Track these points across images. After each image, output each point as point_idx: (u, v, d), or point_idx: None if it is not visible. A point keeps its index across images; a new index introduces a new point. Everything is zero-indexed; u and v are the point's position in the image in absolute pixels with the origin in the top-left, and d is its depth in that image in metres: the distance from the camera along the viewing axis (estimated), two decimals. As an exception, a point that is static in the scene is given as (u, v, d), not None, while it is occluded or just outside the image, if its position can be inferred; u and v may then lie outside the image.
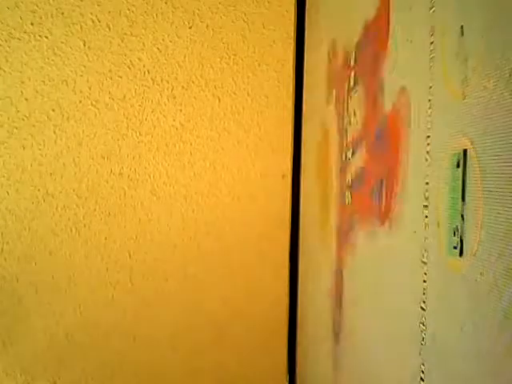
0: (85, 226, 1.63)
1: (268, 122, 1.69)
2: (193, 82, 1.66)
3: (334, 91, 1.22)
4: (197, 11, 1.66)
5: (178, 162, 1.66)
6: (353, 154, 1.03)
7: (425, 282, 0.64)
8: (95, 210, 1.64)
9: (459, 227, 0.53)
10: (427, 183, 0.63)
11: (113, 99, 1.64)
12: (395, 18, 0.78)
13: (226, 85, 1.67)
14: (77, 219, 1.63)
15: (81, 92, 1.62)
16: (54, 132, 1.62)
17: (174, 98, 1.66)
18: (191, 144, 1.67)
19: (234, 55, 1.67)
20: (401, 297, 0.73)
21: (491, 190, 0.47)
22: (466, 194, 0.52)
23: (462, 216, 0.53)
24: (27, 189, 1.61)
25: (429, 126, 0.63)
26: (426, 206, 0.64)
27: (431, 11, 0.64)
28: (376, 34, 0.88)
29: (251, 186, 1.68)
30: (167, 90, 1.66)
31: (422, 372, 0.64)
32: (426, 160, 0.64)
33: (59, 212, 1.62)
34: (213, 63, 1.67)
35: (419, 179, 0.66)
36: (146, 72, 1.65)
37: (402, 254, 0.73)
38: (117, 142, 1.64)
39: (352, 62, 1.05)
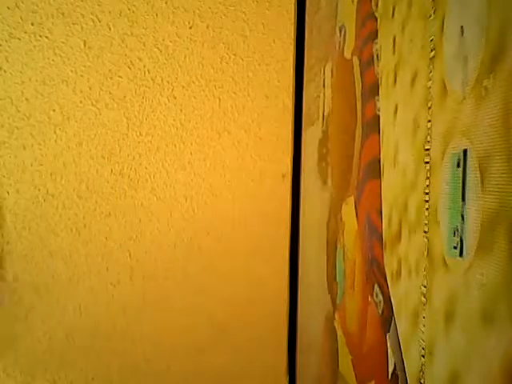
0: (85, 226, 1.63)
1: (268, 122, 1.69)
2: (193, 82, 1.66)
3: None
4: (197, 11, 1.66)
5: (178, 162, 1.66)
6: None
7: (424, 282, 0.64)
8: (95, 209, 1.64)
9: (459, 227, 0.53)
10: (427, 183, 0.63)
11: (113, 99, 1.64)
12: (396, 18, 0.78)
13: (226, 85, 1.68)
14: (77, 219, 1.63)
15: (81, 92, 1.62)
16: (55, 132, 1.62)
17: (174, 98, 1.66)
18: (191, 144, 1.67)
19: (234, 55, 1.67)
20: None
21: (491, 190, 0.47)
22: (466, 194, 0.52)
23: (462, 216, 0.53)
24: (27, 189, 1.61)
25: (429, 126, 0.63)
26: (426, 207, 0.64)
27: (431, 11, 0.64)
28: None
29: (251, 185, 1.68)
30: (167, 89, 1.66)
31: (422, 372, 0.64)
32: (426, 160, 0.64)
33: (59, 212, 1.62)
34: (213, 63, 1.67)
35: (419, 179, 0.66)
36: (146, 72, 1.65)
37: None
38: (117, 142, 1.64)
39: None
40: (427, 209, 0.63)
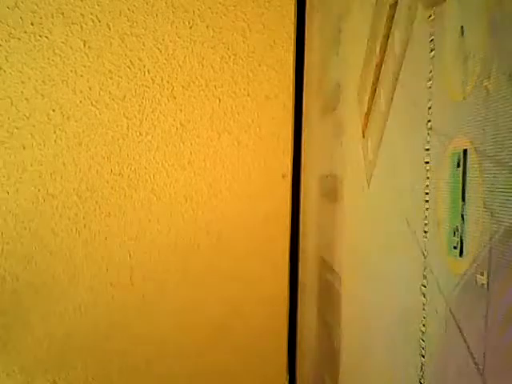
0: (85, 226, 1.63)
1: (268, 122, 1.69)
2: (193, 82, 1.66)
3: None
4: (197, 11, 1.66)
5: (178, 162, 1.66)
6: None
7: (424, 282, 0.64)
8: (95, 210, 1.64)
9: (459, 227, 0.53)
10: (427, 183, 0.63)
11: (113, 99, 1.64)
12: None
13: (226, 85, 1.67)
14: (77, 219, 1.63)
15: (81, 92, 1.62)
16: (54, 132, 1.62)
17: (174, 98, 1.66)
18: (191, 144, 1.67)
19: (234, 55, 1.67)
20: (400, 297, 0.73)
21: (491, 190, 0.47)
22: (466, 194, 0.52)
23: (462, 216, 0.53)
24: (27, 189, 1.61)
25: (429, 126, 0.63)
26: (426, 207, 0.64)
27: (431, 11, 0.64)
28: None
29: (251, 185, 1.68)
30: (167, 89, 1.66)
31: (422, 372, 0.64)
32: (426, 160, 0.64)
33: (59, 212, 1.62)
34: (213, 63, 1.67)
35: (419, 179, 0.66)
36: (146, 72, 1.65)
37: (402, 255, 0.73)
38: (117, 142, 1.64)
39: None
40: (427, 209, 0.63)
